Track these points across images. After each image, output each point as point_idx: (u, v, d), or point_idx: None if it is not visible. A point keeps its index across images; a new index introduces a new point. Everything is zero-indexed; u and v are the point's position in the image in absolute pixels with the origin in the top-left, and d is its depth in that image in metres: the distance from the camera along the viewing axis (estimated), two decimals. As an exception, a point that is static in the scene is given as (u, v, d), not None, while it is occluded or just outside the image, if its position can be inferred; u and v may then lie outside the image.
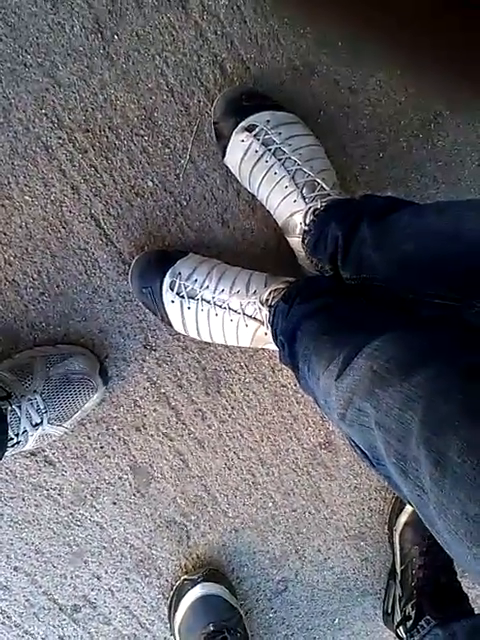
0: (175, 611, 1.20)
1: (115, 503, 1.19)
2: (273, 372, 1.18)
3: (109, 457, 1.16)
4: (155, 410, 1.16)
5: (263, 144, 0.98)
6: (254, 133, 0.99)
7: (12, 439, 1.00)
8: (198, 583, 1.18)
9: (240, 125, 1.00)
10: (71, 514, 1.18)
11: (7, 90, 0.99)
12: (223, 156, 1.04)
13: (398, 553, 1.25)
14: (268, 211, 1.05)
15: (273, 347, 1.00)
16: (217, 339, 1.05)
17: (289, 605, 1.33)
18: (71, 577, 1.21)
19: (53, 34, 0.98)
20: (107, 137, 1.03)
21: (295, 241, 1.02)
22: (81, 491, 1.17)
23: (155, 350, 1.13)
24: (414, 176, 1.15)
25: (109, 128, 1.03)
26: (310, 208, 0.96)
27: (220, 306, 0.99)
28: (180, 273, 1.01)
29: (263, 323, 0.98)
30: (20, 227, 1.04)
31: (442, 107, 1.12)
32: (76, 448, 1.15)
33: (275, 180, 0.98)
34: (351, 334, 0.77)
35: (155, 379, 1.14)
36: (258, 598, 1.30)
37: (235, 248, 1.11)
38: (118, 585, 1.23)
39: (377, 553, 1.33)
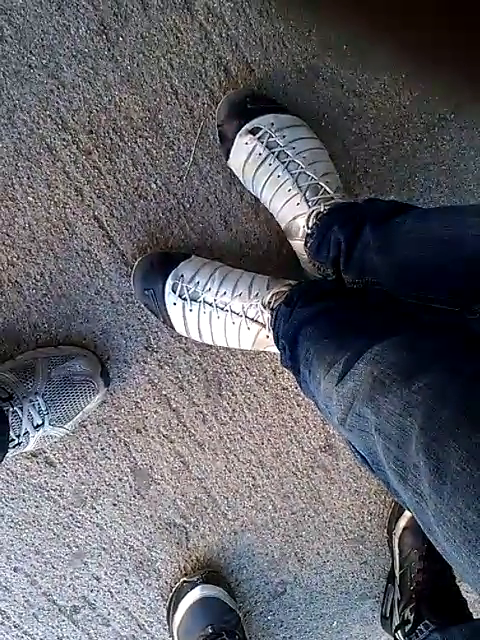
0: (174, 613, 1.20)
1: (115, 505, 1.19)
2: (274, 375, 1.17)
3: (110, 459, 1.16)
4: (156, 412, 1.16)
5: (267, 147, 0.98)
6: (258, 136, 0.99)
7: (13, 440, 1.00)
8: (197, 585, 1.18)
9: (244, 128, 1.00)
10: (71, 515, 1.18)
11: (11, 91, 0.98)
12: (227, 158, 1.04)
13: (397, 557, 1.25)
14: (271, 214, 1.05)
15: (275, 350, 1.00)
16: (219, 341, 1.05)
17: (288, 608, 1.33)
18: (70, 578, 1.21)
19: (58, 35, 0.98)
20: (111, 139, 1.03)
21: (298, 244, 1.02)
22: (81, 492, 1.17)
23: (157, 352, 1.13)
24: (418, 179, 1.15)
25: (113, 130, 1.03)
26: (313, 211, 0.96)
27: (222, 309, 0.99)
28: (182, 275, 1.01)
29: (265, 326, 0.98)
30: (23, 228, 1.04)
31: (446, 111, 1.12)
32: (77, 449, 1.15)
33: (278, 183, 0.98)
34: (352, 338, 0.77)
35: (156, 381, 1.14)
36: (257, 600, 1.31)
37: (238, 251, 1.11)
38: (117, 586, 1.23)
39: (376, 557, 1.33)
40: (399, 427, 0.58)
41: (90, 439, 1.15)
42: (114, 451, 1.16)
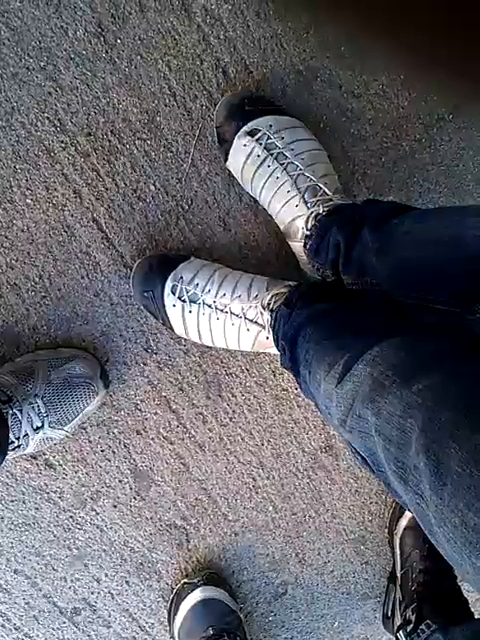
0: (175, 614, 1.20)
1: (115, 506, 1.19)
2: (274, 376, 1.17)
3: (110, 460, 1.16)
4: (156, 413, 1.16)
5: (265, 148, 0.98)
6: (256, 137, 0.99)
7: (13, 442, 1.00)
8: (198, 586, 1.18)
9: (242, 129, 1.00)
10: (71, 517, 1.18)
11: (9, 94, 0.98)
12: (225, 160, 1.04)
13: (399, 557, 1.25)
14: (270, 215, 1.05)
15: (274, 351, 1.00)
16: (218, 343, 1.05)
17: (289, 608, 1.33)
18: (71, 580, 1.21)
19: (56, 38, 0.98)
20: (109, 141, 1.03)
21: (297, 246, 1.02)
22: (81, 494, 1.17)
23: (156, 354, 1.13)
24: (416, 180, 1.15)
25: (111, 132, 1.03)
26: (312, 213, 0.96)
27: (221, 310, 1.00)
28: (182, 277, 1.01)
29: (264, 327, 0.98)
30: (22, 231, 1.04)
31: (445, 111, 1.12)
32: (77, 451, 1.15)
33: (277, 185, 0.98)
34: (352, 339, 0.76)
35: (156, 382, 1.14)
36: (258, 601, 1.31)
37: (237, 252, 1.11)
38: (118, 588, 1.23)
39: (377, 557, 1.33)
40: (399, 428, 0.58)
41: (90, 441, 1.15)
42: (114, 453, 1.16)
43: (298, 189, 0.97)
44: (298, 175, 0.97)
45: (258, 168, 0.99)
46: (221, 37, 1.02)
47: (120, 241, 1.07)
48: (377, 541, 1.33)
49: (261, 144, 0.98)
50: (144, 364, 1.13)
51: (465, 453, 0.49)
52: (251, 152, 0.99)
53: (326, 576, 1.32)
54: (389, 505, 1.30)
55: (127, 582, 1.23)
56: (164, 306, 1.03)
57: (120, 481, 1.18)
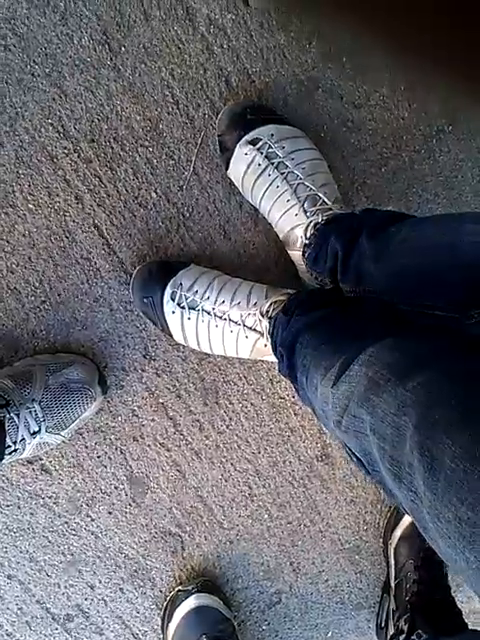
0: (168, 622, 1.19)
1: (111, 513, 1.19)
2: (271, 384, 1.18)
3: (106, 466, 1.16)
4: (153, 420, 1.16)
5: (266, 157, 0.99)
6: (258, 146, 0.99)
7: (10, 447, 1.00)
8: (192, 594, 1.18)
9: (244, 138, 1.00)
10: (66, 523, 1.18)
11: (14, 99, 0.99)
12: (226, 168, 1.05)
13: (393, 567, 1.25)
14: (270, 224, 1.06)
15: (272, 359, 1.00)
16: (217, 350, 1.05)
17: (283, 617, 1.33)
18: (65, 586, 1.21)
19: (61, 45, 0.98)
20: (112, 148, 1.03)
21: (296, 254, 1.02)
22: (77, 500, 1.17)
23: (154, 360, 1.13)
24: (415, 191, 1.16)
25: (114, 139, 1.03)
26: (311, 222, 0.97)
27: (220, 317, 1.00)
28: (181, 284, 1.02)
29: (263, 335, 0.98)
30: (23, 235, 1.04)
31: (444, 122, 1.13)
32: (73, 457, 1.15)
33: (277, 193, 0.99)
34: (349, 343, 0.77)
35: (154, 389, 1.14)
36: (252, 610, 1.30)
37: (236, 260, 1.11)
38: (112, 595, 1.23)
39: (372, 566, 1.33)
40: (394, 426, 0.58)
41: (86, 447, 1.15)
42: (110, 459, 1.16)
43: (298, 198, 0.98)
44: (298, 184, 0.98)
45: (259, 177, 1.00)
46: (224, 46, 1.03)
47: (121, 247, 1.07)
48: (372, 551, 1.33)
49: (262, 153, 0.99)
50: (142, 370, 1.13)
51: (458, 448, 0.49)
52: (252, 161, 1.00)
53: (320, 585, 1.32)
54: (384, 515, 1.30)
55: (121, 589, 1.23)
56: (163, 312, 1.03)
57: (116, 487, 1.18)
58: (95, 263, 1.07)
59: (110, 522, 1.20)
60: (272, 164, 0.99)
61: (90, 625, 1.24)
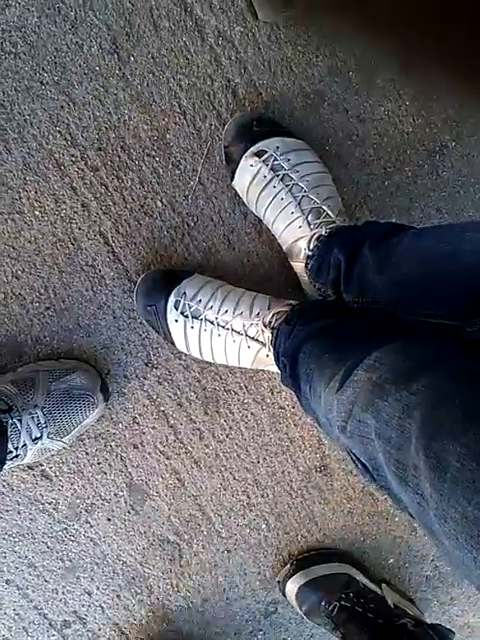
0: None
1: (109, 520, 1.19)
2: (272, 394, 1.18)
3: (106, 473, 1.17)
4: (154, 428, 1.16)
5: (271, 169, 1.00)
6: (263, 158, 1.00)
7: (11, 452, 1.00)
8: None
9: (250, 150, 1.01)
10: (65, 529, 1.18)
11: (23, 106, 1.00)
12: (232, 179, 1.06)
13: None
14: (274, 235, 1.06)
15: (273, 369, 1.01)
16: (219, 359, 1.06)
17: (278, 627, 1.33)
18: (62, 592, 1.21)
19: (71, 53, 0.99)
20: (119, 156, 1.04)
21: (299, 266, 1.03)
22: (76, 506, 1.17)
23: (156, 368, 1.14)
24: (418, 205, 1.17)
25: (121, 147, 1.04)
26: (314, 234, 0.97)
27: (223, 327, 1.00)
28: (185, 293, 1.02)
29: (265, 345, 0.98)
30: (29, 242, 1.05)
31: (448, 138, 1.14)
32: (73, 463, 1.15)
33: (282, 206, 1.00)
34: (353, 350, 0.77)
35: (155, 397, 1.15)
36: (248, 619, 1.30)
37: (240, 270, 1.12)
38: (109, 602, 1.23)
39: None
40: (399, 429, 0.58)
41: (87, 453, 1.15)
42: (110, 466, 1.16)
43: (302, 211, 0.99)
44: (302, 197, 0.99)
45: (263, 189, 1.01)
46: (232, 58, 1.04)
47: (126, 255, 1.08)
48: (368, 562, 1.33)
49: (267, 165, 1.00)
50: (144, 378, 1.14)
51: (463, 448, 0.50)
52: (257, 172, 1.01)
53: (316, 596, 1.32)
54: (381, 527, 1.30)
55: (118, 596, 1.23)
56: (166, 321, 1.04)
57: (115, 494, 1.18)
58: (100, 270, 1.08)
59: (109, 529, 1.20)
60: (277, 176, 0.99)
61: (87, 631, 1.24)
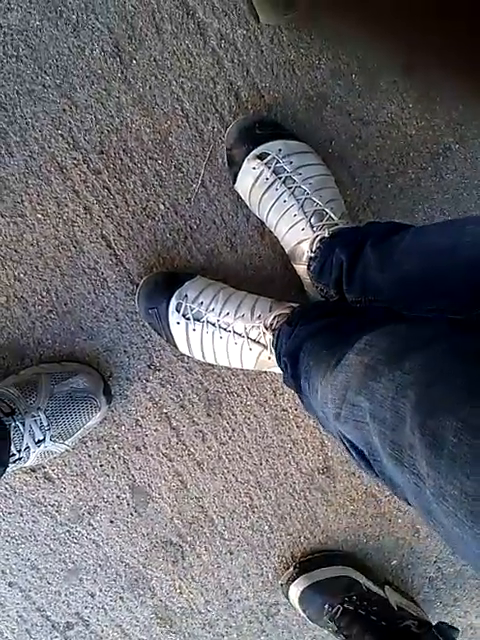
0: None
1: (112, 522, 1.19)
2: (274, 395, 1.18)
3: (108, 476, 1.17)
4: (156, 430, 1.16)
5: (274, 172, 1.00)
6: (266, 161, 1.00)
7: (14, 455, 1.00)
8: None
9: (252, 153, 1.01)
10: (68, 531, 1.18)
11: (25, 110, 1.00)
12: (234, 182, 1.06)
13: None
14: (276, 237, 1.06)
15: (276, 370, 1.01)
16: (221, 361, 1.06)
17: (281, 629, 1.33)
18: (65, 594, 1.21)
19: (72, 57, 0.99)
20: (121, 159, 1.04)
21: (301, 268, 1.03)
22: (79, 508, 1.17)
23: (159, 370, 1.14)
24: (422, 208, 1.16)
25: (124, 151, 1.04)
26: (317, 236, 0.97)
27: (225, 329, 1.00)
28: (187, 295, 1.02)
29: (267, 347, 0.98)
30: (31, 245, 1.05)
31: (451, 141, 1.14)
32: (76, 465, 1.15)
33: (284, 208, 1.00)
34: (347, 340, 0.76)
35: (157, 399, 1.15)
36: (251, 620, 1.30)
37: (243, 273, 1.12)
38: (112, 603, 1.23)
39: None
40: (393, 410, 0.58)
41: (90, 455, 1.15)
42: (113, 468, 1.17)
43: (305, 213, 0.98)
44: (305, 199, 0.98)
45: (266, 191, 1.01)
46: (235, 61, 1.04)
47: (128, 258, 1.08)
48: (371, 563, 1.33)
49: (270, 168, 1.00)
50: (146, 380, 1.14)
51: (459, 423, 0.49)
52: (260, 175, 1.01)
53: (319, 598, 1.32)
54: (384, 528, 1.30)
55: (121, 598, 1.23)
56: (168, 323, 1.04)
57: (118, 496, 1.18)
58: (102, 273, 1.08)
59: (111, 531, 1.20)
60: (280, 179, 0.99)
61: (90, 633, 1.24)
